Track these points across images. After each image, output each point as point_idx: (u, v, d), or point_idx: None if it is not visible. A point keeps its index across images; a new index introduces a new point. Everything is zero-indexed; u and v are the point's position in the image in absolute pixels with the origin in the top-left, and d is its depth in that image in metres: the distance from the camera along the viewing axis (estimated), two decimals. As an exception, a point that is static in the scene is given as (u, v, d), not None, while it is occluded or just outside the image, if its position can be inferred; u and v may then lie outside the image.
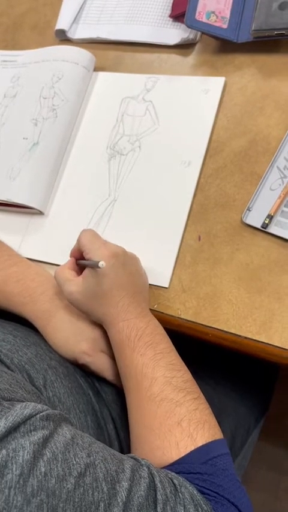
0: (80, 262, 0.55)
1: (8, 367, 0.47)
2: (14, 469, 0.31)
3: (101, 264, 0.47)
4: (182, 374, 0.47)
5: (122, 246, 0.53)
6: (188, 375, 0.48)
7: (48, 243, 0.64)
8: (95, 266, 0.48)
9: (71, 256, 0.56)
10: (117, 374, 0.54)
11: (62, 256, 0.57)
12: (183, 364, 0.49)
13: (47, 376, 0.49)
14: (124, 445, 0.53)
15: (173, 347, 0.50)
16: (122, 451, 0.46)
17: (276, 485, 1.16)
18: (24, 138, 0.68)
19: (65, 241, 0.63)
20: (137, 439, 0.46)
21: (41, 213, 0.65)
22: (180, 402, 0.45)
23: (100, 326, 0.54)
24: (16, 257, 0.61)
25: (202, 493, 0.39)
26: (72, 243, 0.57)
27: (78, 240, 0.54)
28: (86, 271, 0.51)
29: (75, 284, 0.51)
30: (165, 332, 0.51)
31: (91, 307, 0.52)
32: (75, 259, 0.55)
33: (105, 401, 0.55)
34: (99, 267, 0.47)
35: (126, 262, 0.52)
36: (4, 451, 0.31)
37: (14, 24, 0.83)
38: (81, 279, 0.51)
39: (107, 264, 0.49)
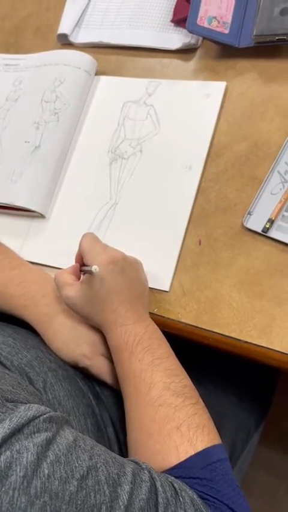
0: (81, 269, 0.55)
1: (9, 370, 0.47)
2: (18, 470, 0.31)
3: (94, 268, 0.47)
4: (180, 379, 0.47)
5: (122, 251, 0.53)
6: (186, 380, 0.48)
7: (49, 246, 0.65)
8: (90, 272, 0.48)
9: (76, 261, 0.56)
10: (117, 377, 0.54)
11: (63, 260, 0.57)
12: (182, 369, 0.49)
13: (47, 378, 0.49)
14: (124, 448, 0.53)
15: (171, 352, 0.50)
16: (121, 454, 0.46)
17: (275, 490, 1.15)
18: (26, 142, 0.68)
19: (66, 244, 0.63)
20: (135, 444, 0.46)
21: (42, 216, 0.66)
22: (179, 407, 0.45)
23: (100, 330, 0.54)
24: (17, 260, 0.61)
25: (201, 498, 0.39)
26: (73, 247, 0.57)
27: (79, 245, 0.54)
28: (85, 277, 0.51)
29: (73, 289, 0.52)
30: (164, 337, 0.51)
31: (89, 313, 0.52)
32: (80, 265, 0.55)
33: (105, 405, 0.55)
34: (92, 272, 0.47)
35: (125, 268, 0.51)
36: (8, 453, 0.32)
37: (17, 28, 0.83)
38: (79, 284, 0.52)
39: (106, 270, 0.49)
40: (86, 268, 0.51)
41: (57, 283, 0.53)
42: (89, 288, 0.50)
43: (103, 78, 0.73)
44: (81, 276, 0.55)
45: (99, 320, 0.52)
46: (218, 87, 0.66)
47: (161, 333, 0.51)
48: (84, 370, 0.54)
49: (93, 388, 0.55)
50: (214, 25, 0.65)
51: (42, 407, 0.37)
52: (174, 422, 0.44)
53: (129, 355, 0.48)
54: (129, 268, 0.52)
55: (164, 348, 0.49)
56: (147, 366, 0.47)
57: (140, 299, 0.53)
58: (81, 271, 0.55)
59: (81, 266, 0.55)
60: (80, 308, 0.52)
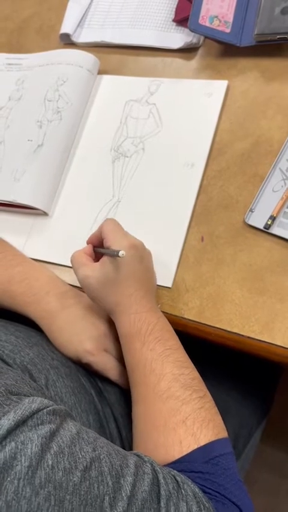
0: (99, 250, 0.55)
1: (11, 367, 0.47)
2: (22, 460, 0.32)
3: (121, 253, 0.47)
4: (189, 371, 0.47)
5: (141, 240, 0.54)
6: (195, 373, 0.48)
7: (52, 243, 0.65)
8: (114, 255, 0.48)
9: (88, 242, 0.57)
10: (120, 373, 0.54)
11: (66, 257, 0.57)
12: (191, 361, 0.49)
13: (49, 376, 0.49)
14: (126, 444, 0.53)
15: (180, 344, 0.50)
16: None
17: (277, 488, 1.16)
18: (29, 140, 0.68)
19: (69, 241, 0.64)
20: (140, 435, 0.46)
21: (45, 213, 0.66)
22: (187, 400, 0.45)
23: (104, 325, 0.55)
24: (21, 257, 0.61)
25: (203, 492, 0.39)
26: (76, 244, 0.57)
27: (101, 228, 0.54)
28: (105, 258, 0.51)
29: (91, 269, 0.52)
30: (173, 329, 0.52)
31: (104, 294, 0.52)
32: (93, 246, 0.56)
33: (107, 401, 0.55)
34: (118, 256, 0.47)
35: (144, 256, 0.52)
36: (13, 443, 0.32)
37: (19, 28, 0.84)
38: (98, 265, 0.52)
39: (127, 254, 0.49)
40: (108, 250, 0.51)
41: (74, 264, 0.54)
42: (109, 269, 0.50)
43: (105, 77, 0.74)
44: (94, 255, 0.56)
45: (112, 304, 0.51)
46: (219, 86, 0.66)
47: (170, 325, 0.52)
48: (88, 366, 0.54)
49: (95, 385, 0.55)
50: (216, 24, 0.66)
51: (46, 401, 0.37)
52: (180, 416, 0.44)
53: (141, 344, 0.48)
54: (147, 258, 0.53)
55: (174, 340, 0.50)
56: (158, 356, 0.47)
57: (152, 290, 0.54)
58: (95, 251, 0.56)
59: (95, 247, 0.56)
60: (95, 288, 0.52)
